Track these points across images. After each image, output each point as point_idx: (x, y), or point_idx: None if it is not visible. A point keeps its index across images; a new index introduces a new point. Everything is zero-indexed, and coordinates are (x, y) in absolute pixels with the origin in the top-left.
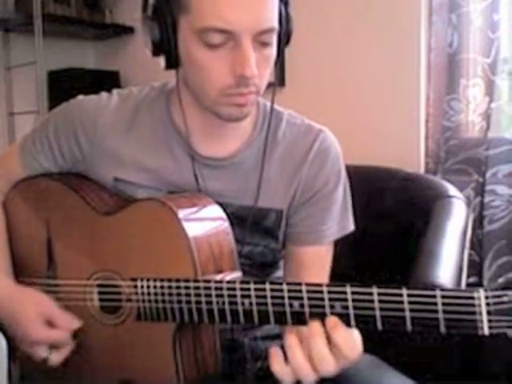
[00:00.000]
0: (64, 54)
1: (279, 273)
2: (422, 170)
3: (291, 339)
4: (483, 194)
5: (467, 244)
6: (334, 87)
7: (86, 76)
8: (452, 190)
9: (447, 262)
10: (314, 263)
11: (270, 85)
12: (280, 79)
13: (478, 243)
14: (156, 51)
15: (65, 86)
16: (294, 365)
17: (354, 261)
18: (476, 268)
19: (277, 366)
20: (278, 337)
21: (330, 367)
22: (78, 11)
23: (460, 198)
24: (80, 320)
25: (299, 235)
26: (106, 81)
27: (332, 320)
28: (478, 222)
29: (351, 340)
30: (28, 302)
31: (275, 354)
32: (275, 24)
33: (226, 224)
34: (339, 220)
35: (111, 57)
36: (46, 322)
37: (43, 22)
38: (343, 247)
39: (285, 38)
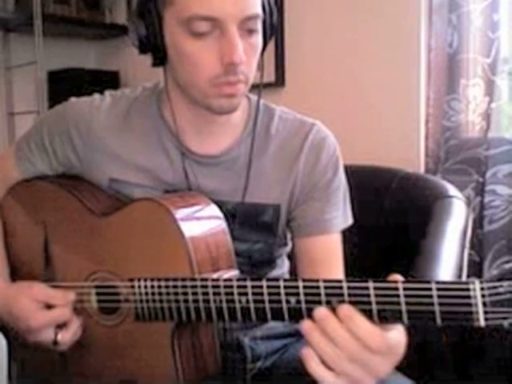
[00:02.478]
0: (64, 54)
1: (276, 272)
2: (422, 170)
3: (305, 323)
4: (483, 194)
5: (467, 244)
6: (334, 87)
7: (86, 76)
8: (452, 190)
9: (447, 261)
10: (325, 255)
11: (269, 85)
12: (280, 79)
13: (478, 243)
14: (143, 48)
15: (65, 86)
16: (317, 350)
17: (354, 261)
18: (476, 268)
19: (312, 364)
20: (279, 337)
21: (352, 347)
22: (78, 11)
23: (460, 198)
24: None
25: (304, 227)
26: (106, 81)
27: (346, 309)
28: (478, 222)
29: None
30: (20, 293)
31: (308, 355)
32: (259, 11)
33: (223, 223)
34: (341, 211)
35: (111, 57)
36: (43, 306)
37: (43, 21)
38: (343, 247)
39: (270, 29)
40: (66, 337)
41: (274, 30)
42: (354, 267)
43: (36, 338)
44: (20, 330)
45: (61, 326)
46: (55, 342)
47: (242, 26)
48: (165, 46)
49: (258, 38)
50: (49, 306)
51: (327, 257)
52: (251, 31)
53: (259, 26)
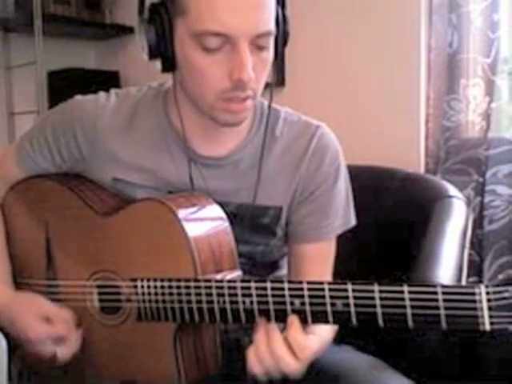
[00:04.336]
0: (64, 54)
1: (280, 272)
2: (422, 170)
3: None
4: (483, 194)
5: (467, 244)
6: (333, 87)
7: (86, 76)
8: (452, 190)
9: (447, 261)
10: (315, 259)
11: (268, 85)
12: (280, 79)
13: (478, 243)
14: (152, 54)
15: (65, 85)
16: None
17: (354, 261)
18: (476, 268)
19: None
20: None
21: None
22: (78, 11)
23: (460, 198)
24: (76, 316)
25: (301, 233)
26: (105, 81)
27: (290, 318)
28: (478, 222)
29: (302, 339)
30: (24, 306)
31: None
32: (272, 27)
33: (226, 224)
34: (341, 215)
35: (111, 57)
36: (45, 320)
37: (43, 22)
38: (343, 247)
39: (282, 39)
40: (65, 352)
41: (285, 44)
42: (354, 267)
43: (35, 351)
44: (21, 342)
45: (60, 343)
46: (54, 358)
47: (253, 42)
48: (174, 54)
49: (269, 54)
50: (48, 320)
51: (316, 261)
52: (262, 47)
53: (271, 43)
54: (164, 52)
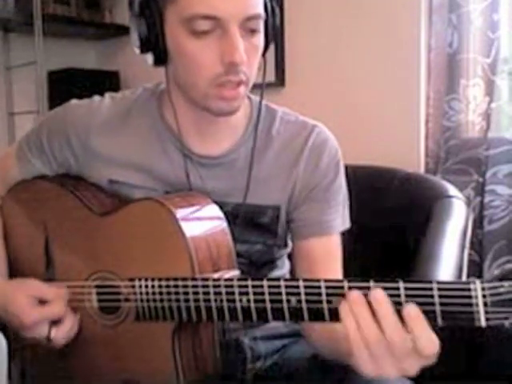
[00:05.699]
0: (64, 54)
1: (277, 273)
2: (422, 170)
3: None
4: (483, 194)
5: (467, 244)
6: (333, 87)
7: (86, 76)
8: (452, 190)
9: (447, 261)
10: (325, 256)
11: (269, 85)
12: (280, 79)
13: (478, 243)
14: (144, 47)
15: (65, 85)
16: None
17: (354, 261)
18: (476, 268)
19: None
20: (279, 337)
21: (372, 333)
22: (78, 11)
23: (460, 198)
24: (77, 314)
25: (303, 228)
26: (105, 81)
27: (377, 292)
28: (478, 222)
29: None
30: (17, 290)
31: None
32: (261, 11)
33: (224, 223)
34: (340, 213)
35: (111, 57)
36: (37, 302)
37: (43, 22)
38: (342, 247)
39: (272, 30)
40: (60, 333)
41: (276, 31)
42: (354, 267)
43: (30, 335)
44: (15, 327)
45: (55, 323)
46: (48, 339)
47: (243, 26)
48: (166, 46)
49: (260, 38)
50: (44, 303)
51: (326, 258)
52: (253, 31)
53: (261, 27)
54: (155, 43)
